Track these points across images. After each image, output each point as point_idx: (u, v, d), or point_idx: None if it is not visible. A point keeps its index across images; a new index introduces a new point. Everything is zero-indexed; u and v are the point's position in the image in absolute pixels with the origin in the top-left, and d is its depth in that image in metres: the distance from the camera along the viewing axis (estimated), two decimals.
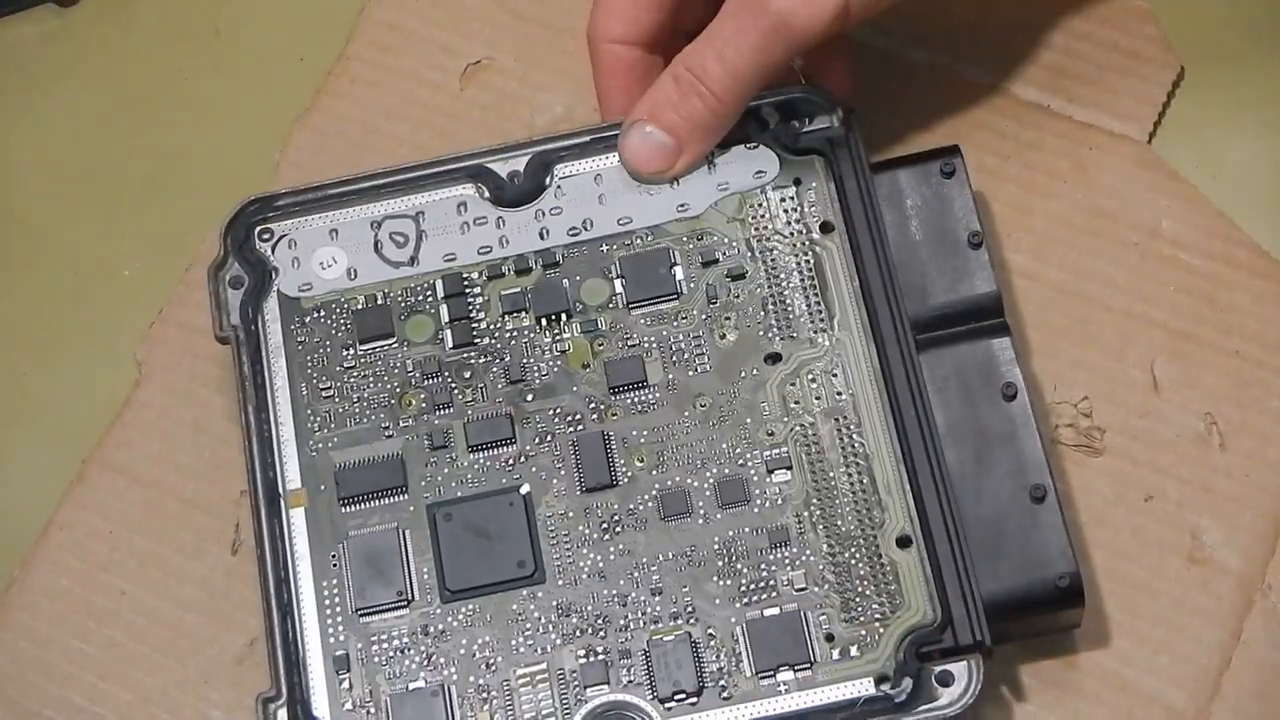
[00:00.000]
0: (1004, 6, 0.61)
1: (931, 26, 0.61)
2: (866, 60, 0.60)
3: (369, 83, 0.63)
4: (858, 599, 0.49)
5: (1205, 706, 0.53)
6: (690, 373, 0.52)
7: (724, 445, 0.51)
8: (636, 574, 0.50)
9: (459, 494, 0.51)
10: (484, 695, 0.49)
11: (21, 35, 0.65)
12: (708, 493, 0.51)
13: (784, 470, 0.51)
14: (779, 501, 0.51)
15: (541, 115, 0.61)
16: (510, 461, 0.52)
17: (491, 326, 0.53)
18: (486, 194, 0.55)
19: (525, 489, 0.51)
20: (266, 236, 0.54)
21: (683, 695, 0.49)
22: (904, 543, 0.50)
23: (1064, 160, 0.59)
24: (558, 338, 0.53)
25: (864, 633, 0.49)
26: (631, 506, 0.51)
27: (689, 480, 0.51)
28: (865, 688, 0.49)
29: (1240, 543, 0.54)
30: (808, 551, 0.50)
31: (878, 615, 0.49)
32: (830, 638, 0.49)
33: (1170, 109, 0.60)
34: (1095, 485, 0.55)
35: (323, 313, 0.54)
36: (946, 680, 0.49)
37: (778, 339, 0.52)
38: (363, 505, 0.51)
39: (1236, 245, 0.58)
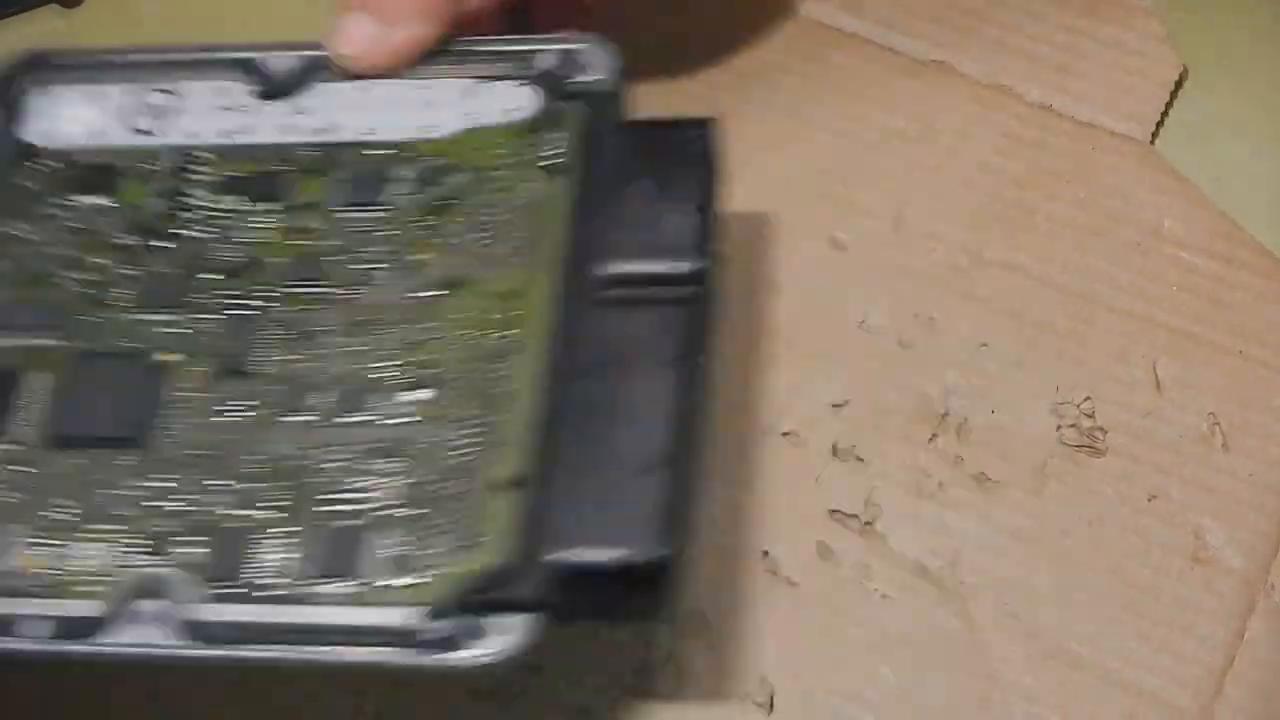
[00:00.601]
0: (1006, 4, 0.61)
1: (932, 23, 0.61)
2: (868, 57, 0.60)
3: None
4: (435, 532, 0.47)
5: (1209, 705, 0.53)
6: (374, 283, 0.51)
7: (373, 356, 0.50)
8: (236, 463, 0.49)
9: (98, 350, 0.51)
10: (43, 536, 0.48)
11: (25, 36, 0.65)
12: (334, 397, 0.50)
13: (417, 390, 0.49)
14: (399, 420, 0.49)
15: None
16: (164, 329, 0.51)
17: (201, 205, 0.53)
18: (250, 85, 0.54)
19: (160, 357, 0.51)
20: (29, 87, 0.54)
21: (230, 584, 0.47)
22: (504, 486, 0.47)
23: (1066, 160, 0.59)
24: (259, 226, 0.52)
25: (428, 565, 0.47)
26: (257, 399, 0.50)
27: (323, 381, 0.50)
28: (406, 618, 0.46)
29: (1243, 542, 0.54)
30: (404, 475, 0.48)
31: (447, 551, 0.47)
32: (393, 563, 0.47)
33: (1173, 108, 0.60)
34: (1098, 486, 0.55)
35: (50, 161, 0.54)
36: (492, 632, 0.46)
37: (470, 267, 0.51)
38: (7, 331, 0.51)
39: (1239, 245, 0.58)
